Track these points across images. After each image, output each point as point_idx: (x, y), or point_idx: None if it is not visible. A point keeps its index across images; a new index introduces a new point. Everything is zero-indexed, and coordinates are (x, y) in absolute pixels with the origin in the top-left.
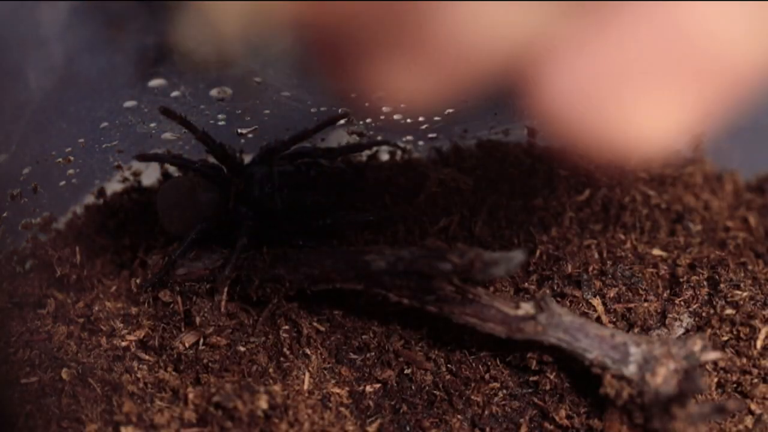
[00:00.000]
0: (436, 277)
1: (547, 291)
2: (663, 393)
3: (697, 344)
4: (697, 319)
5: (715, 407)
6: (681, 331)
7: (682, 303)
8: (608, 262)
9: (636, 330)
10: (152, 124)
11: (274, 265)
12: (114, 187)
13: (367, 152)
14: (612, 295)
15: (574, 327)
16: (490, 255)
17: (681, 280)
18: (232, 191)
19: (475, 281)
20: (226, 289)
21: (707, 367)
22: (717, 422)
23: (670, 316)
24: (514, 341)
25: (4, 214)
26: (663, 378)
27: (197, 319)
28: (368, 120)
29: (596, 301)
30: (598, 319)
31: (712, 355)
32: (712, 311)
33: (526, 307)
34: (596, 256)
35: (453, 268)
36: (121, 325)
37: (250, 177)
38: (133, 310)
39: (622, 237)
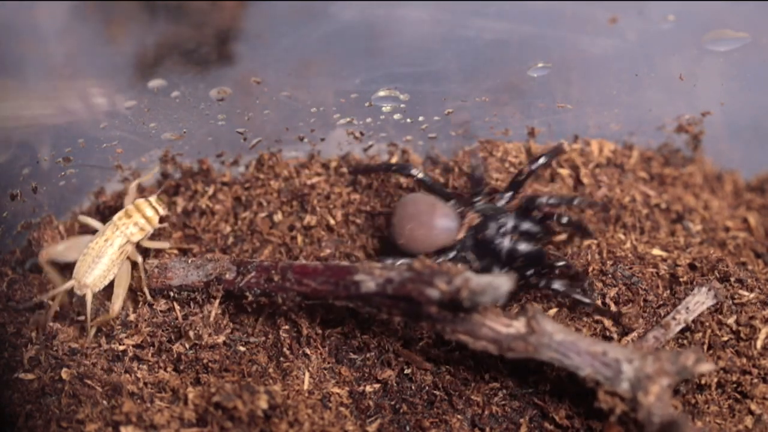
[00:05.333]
0: (425, 303)
1: (539, 306)
2: (655, 412)
3: (690, 358)
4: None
5: None
6: (679, 330)
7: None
8: (608, 262)
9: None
10: (152, 124)
11: (266, 282)
12: (114, 187)
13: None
14: (612, 295)
15: (566, 345)
16: (477, 282)
17: (681, 280)
18: (466, 223)
19: (463, 308)
20: (216, 303)
21: None
22: (717, 422)
23: (670, 316)
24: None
25: (4, 214)
26: (656, 396)
27: (191, 333)
28: (368, 120)
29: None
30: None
31: (706, 367)
32: (712, 311)
33: (518, 326)
34: (596, 256)
35: (440, 296)
36: (120, 328)
37: (488, 217)
38: (132, 316)
39: (622, 237)
